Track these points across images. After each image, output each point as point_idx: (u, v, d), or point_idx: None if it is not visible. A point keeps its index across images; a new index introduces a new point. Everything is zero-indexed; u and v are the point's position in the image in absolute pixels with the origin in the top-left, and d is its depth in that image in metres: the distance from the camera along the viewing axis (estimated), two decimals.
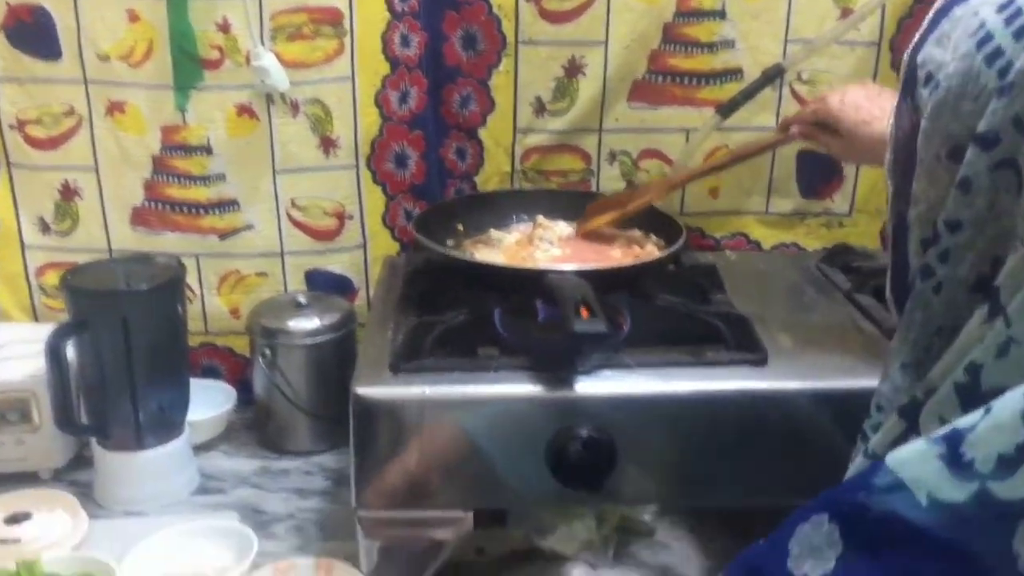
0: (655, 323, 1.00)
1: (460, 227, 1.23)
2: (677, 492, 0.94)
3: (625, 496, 0.92)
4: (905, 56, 0.57)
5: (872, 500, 0.45)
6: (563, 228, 1.20)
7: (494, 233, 1.21)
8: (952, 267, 0.52)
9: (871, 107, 1.01)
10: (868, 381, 0.60)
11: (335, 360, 1.24)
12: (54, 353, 1.06)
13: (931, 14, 0.55)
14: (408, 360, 0.92)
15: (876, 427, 0.57)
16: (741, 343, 0.95)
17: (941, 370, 0.50)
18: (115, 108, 1.25)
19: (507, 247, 1.17)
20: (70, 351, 1.09)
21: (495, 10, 1.24)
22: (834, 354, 0.97)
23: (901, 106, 0.57)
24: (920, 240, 0.55)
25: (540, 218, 1.22)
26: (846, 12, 1.25)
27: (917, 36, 0.56)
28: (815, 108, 1.08)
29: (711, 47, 1.26)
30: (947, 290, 0.52)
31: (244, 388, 1.32)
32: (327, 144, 1.27)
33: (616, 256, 1.14)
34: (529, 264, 1.10)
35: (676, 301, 1.03)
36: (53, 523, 1.06)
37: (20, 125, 1.26)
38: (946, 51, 0.52)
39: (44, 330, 1.12)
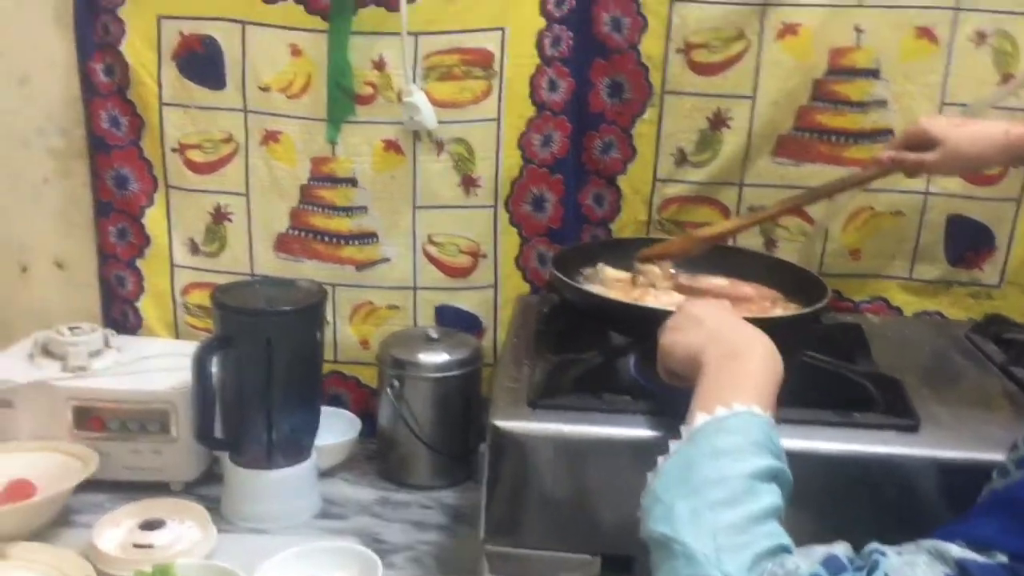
0: (799, 380, 0.97)
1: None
2: None
3: None
4: None
5: None
6: (709, 280, 1.17)
7: None
8: None
9: (963, 120, 1.02)
10: None
11: (461, 396, 1.25)
12: (200, 366, 1.09)
13: None
14: (546, 397, 0.92)
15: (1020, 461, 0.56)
16: (892, 406, 0.91)
17: None
18: (270, 137, 1.30)
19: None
20: (213, 366, 1.12)
21: (644, 60, 1.24)
22: (988, 424, 0.92)
23: None
24: None
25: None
26: (1007, 77, 1.20)
27: None
28: (904, 130, 1.08)
29: (862, 106, 1.24)
30: None
31: (367, 419, 1.34)
32: (468, 183, 1.30)
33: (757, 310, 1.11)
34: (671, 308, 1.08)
35: (823, 359, 0.99)
36: (184, 533, 1.09)
37: (182, 149, 1.32)
38: None
39: (185, 346, 1.16)
